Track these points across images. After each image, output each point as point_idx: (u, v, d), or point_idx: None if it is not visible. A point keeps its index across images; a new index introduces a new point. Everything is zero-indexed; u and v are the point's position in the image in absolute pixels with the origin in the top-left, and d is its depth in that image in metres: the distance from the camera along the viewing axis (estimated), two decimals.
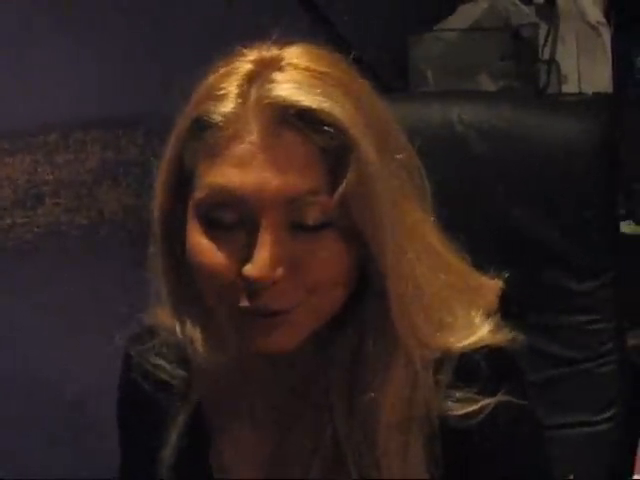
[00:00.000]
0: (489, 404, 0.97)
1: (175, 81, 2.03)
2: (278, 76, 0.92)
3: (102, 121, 1.92)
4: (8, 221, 1.81)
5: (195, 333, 1.01)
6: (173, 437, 1.04)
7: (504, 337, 1.00)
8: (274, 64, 0.93)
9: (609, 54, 2.20)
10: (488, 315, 1.01)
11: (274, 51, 0.95)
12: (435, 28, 2.22)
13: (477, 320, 1.01)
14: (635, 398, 1.44)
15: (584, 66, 2.20)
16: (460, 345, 0.98)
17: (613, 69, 2.19)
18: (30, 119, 1.83)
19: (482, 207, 1.41)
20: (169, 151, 0.96)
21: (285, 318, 0.93)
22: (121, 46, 1.93)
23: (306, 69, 0.93)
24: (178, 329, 1.01)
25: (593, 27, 2.21)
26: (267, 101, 0.90)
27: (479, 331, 1.00)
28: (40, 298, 1.88)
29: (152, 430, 1.05)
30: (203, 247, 0.93)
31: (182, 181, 0.95)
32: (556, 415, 1.44)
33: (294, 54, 0.95)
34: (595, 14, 2.22)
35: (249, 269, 0.89)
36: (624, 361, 1.47)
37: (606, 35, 2.20)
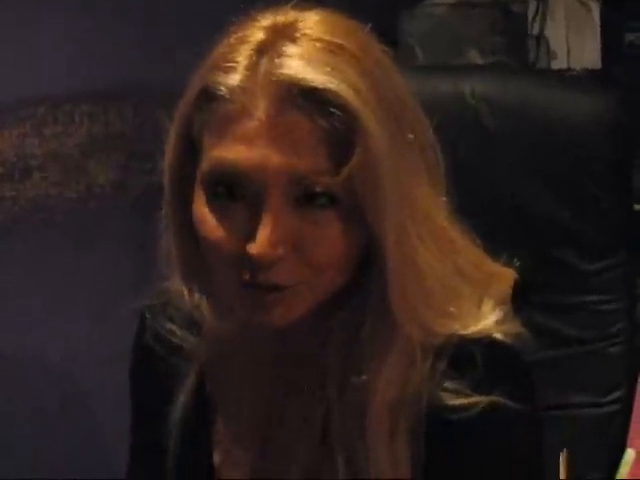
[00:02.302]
0: (481, 401, 0.92)
1: (162, 55, 1.97)
2: (289, 49, 0.88)
3: (90, 94, 1.86)
4: None
5: (202, 300, 1.01)
6: (181, 397, 1.03)
7: (511, 329, 0.96)
8: (288, 33, 0.89)
9: (598, 30, 2.18)
10: (499, 305, 0.98)
11: (289, 17, 0.91)
12: (424, 3, 2.19)
13: (485, 309, 0.97)
14: None
15: (573, 42, 2.17)
16: (465, 332, 0.95)
17: (602, 45, 2.17)
18: (18, 92, 1.77)
19: (492, 183, 1.39)
20: (178, 117, 0.94)
21: (285, 295, 0.91)
22: (109, 19, 1.88)
23: (319, 40, 0.88)
24: (186, 295, 1.01)
25: (582, 3, 2.18)
26: (274, 78, 0.86)
27: (484, 320, 0.96)
28: (27, 271, 1.83)
29: (163, 389, 1.05)
30: (207, 219, 0.91)
31: (190, 152, 0.93)
32: (564, 395, 1.39)
33: (310, 23, 0.90)
34: None
35: (252, 247, 0.87)
36: (634, 342, 1.42)
37: (595, 11, 2.18)
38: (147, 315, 1.09)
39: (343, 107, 0.86)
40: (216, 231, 0.90)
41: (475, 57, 2.10)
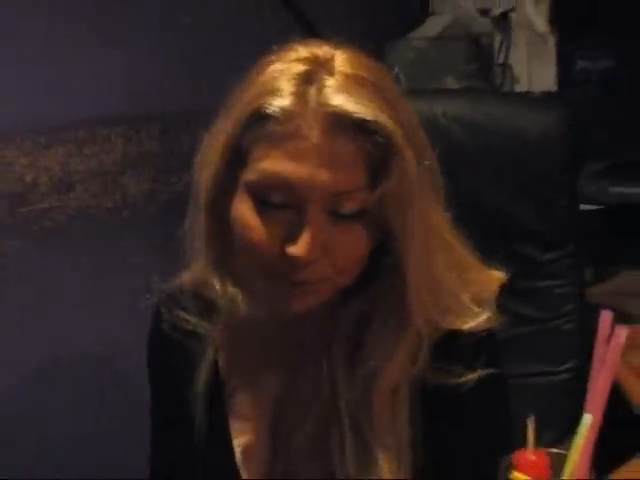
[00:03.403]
0: (471, 379, 0.96)
1: (185, 84, 2.01)
2: (329, 81, 0.90)
3: (124, 118, 1.90)
4: (46, 205, 1.79)
5: (234, 292, 1.01)
6: (202, 374, 1.04)
7: (496, 323, 1.00)
8: (326, 67, 0.91)
9: (554, 58, 2.22)
10: (489, 303, 1.01)
11: (326, 53, 0.93)
12: (407, 37, 2.23)
13: (478, 308, 1.00)
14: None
15: (533, 68, 2.21)
16: (464, 327, 0.98)
17: (557, 71, 2.22)
18: (62, 117, 1.80)
19: (463, 191, 1.36)
20: (224, 133, 0.94)
21: (311, 288, 0.93)
22: (139, 54, 1.90)
23: (354, 77, 0.90)
24: (217, 286, 1.00)
25: (540, 35, 2.22)
26: (327, 109, 0.88)
27: (478, 317, 0.99)
28: (73, 270, 1.86)
29: (181, 371, 1.06)
30: (250, 221, 0.92)
31: (235, 162, 0.93)
32: (526, 366, 1.46)
33: (342, 60, 0.92)
34: (542, 25, 2.22)
35: (294, 249, 0.89)
36: (583, 320, 1.47)
37: (551, 42, 2.22)
38: (161, 306, 1.08)
39: (384, 135, 0.88)
40: (259, 232, 0.91)
41: (451, 82, 2.12)
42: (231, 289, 1.00)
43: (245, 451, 1.05)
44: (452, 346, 0.97)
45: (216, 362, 1.06)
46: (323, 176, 0.88)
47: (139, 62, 1.90)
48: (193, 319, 1.06)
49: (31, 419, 1.81)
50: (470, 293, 1.00)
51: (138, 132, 1.91)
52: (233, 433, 1.05)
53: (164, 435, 1.12)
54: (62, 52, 1.79)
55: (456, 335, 0.97)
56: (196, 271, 1.03)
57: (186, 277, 1.06)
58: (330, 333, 0.98)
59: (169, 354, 1.09)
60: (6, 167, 1.72)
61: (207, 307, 1.05)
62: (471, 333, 0.98)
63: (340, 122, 0.88)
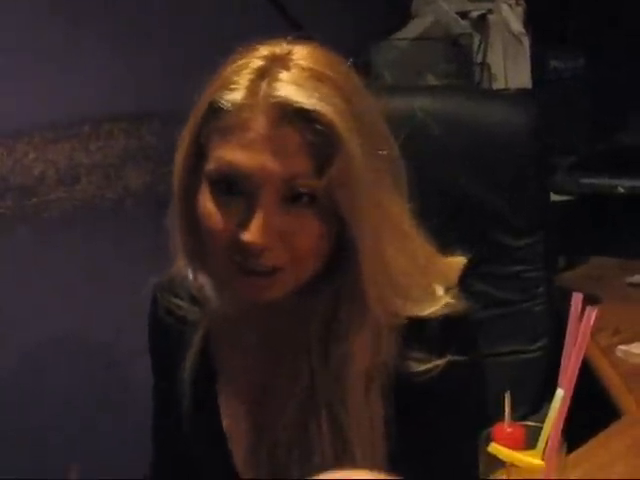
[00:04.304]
0: (439, 364, 0.95)
1: (183, 82, 2.01)
2: (284, 75, 0.89)
3: (126, 115, 1.90)
4: (53, 196, 1.80)
5: (205, 280, 1.00)
6: (189, 359, 1.04)
7: (459, 308, 0.98)
8: (282, 62, 0.90)
9: (528, 58, 2.21)
10: (448, 289, 0.99)
11: (284, 49, 0.92)
12: (391, 38, 2.23)
13: (438, 293, 0.98)
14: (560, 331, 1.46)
15: (509, 67, 2.20)
16: (422, 314, 0.97)
17: (532, 70, 2.21)
18: (68, 114, 1.81)
19: (438, 179, 1.41)
20: (187, 129, 0.94)
21: (272, 278, 0.91)
22: (139, 54, 1.91)
23: (308, 69, 0.90)
24: (191, 277, 1.01)
25: (515, 36, 2.21)
26: (272, 99, 0.88)
27: (437, 303, 0.97)
28: (78, 256, 1.87)
29: (174, 353, 1.05)
30: (209, 210, 0.91)
31: (198, 155, 0.93)
32: (500, 345, 1.47)
33: (300, 54, 0.92)
34: (517, 27, 2.22)
35: (245, 235, 0.88)
36: (552, 302, 1.49)
37: (526, 43, 2.21)
38: (158, 292, 1.08)
39: (327, 125, 0.87)
40: (217, 220, 0.90)
41: (431, 80, 2.12)
42: (201, 279, 1.00)
43: (233, 430, 1.05)
44: (420, 334, 0.96)
45: (205, 344, 1.05)
46: (271, 164, 0.88)
47: (140, 63, 1.90)
48: (185, 305, 1.06)
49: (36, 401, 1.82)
50: (428, 281, 0.99)
51: (139, 128, 1.92)
52: (222, 411, 1.05)
53: (160, 414, 1.13)
54: (68, 54, 1.80)
55: (424, 323, 0.96)
56: (180, 262, 1.03)
57: (178, 265, 1.05)
58: (304, 323, 0.97)
59: (164, 338, 1.09)
60: (16, 161, 1.73)
61: (195, 295, 1.05)
62: (439, 320, 0.96)
63: (285, 112, 0.88)
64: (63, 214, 1.82)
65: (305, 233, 0.90)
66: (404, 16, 2.28)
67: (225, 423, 1.05)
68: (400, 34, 2.23)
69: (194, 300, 1.05)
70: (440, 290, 0.98)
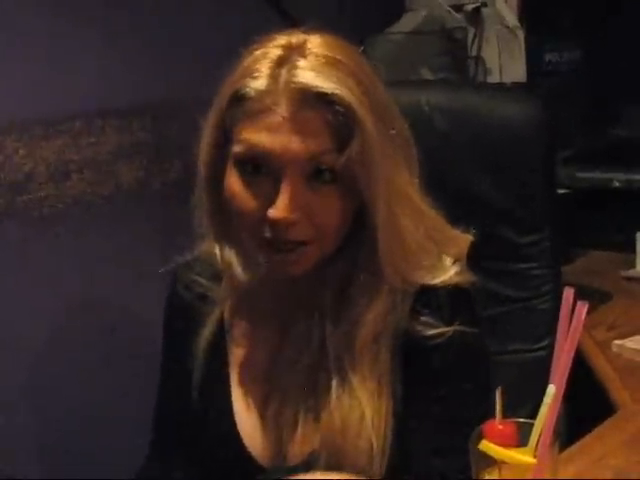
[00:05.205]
0: (448, 330, 1.00)
1: (175, 78, 2.00)
2: (302, 62, 0.95)
3: (117, 110, 1.89)
4: (43, 193, 1.79)
5: (231, 257, 1.06)
6: (205, 331, 1.10)
7: (467, 279, 1.03)
8: (299, 51, 0.96)
9: (523, 51, 2.21)
10: (457, 261, 1.04)
11: (300, 38, 0.98)
12: (385, 32, 2.23)
13: (447, 263, 1.03)
14: None
15: (504, 61, 2.20)
16: (433, 282, 1.01)
17: (527, 63, 2.21)
18: (59, 110, 1.80)
19: (444, 174, 1.41)
20: (212, 116, 1.00)
21: (298, 255, 0.97)
22: (132, 49, 1.90)
23: (324, 57, 0.95)
24: (218, 253, 1.07)
25: (510, 30, 2.21)
26: (293, 85, 0.93)
27: (448, 272, 1.02)
28: (70, 254, 1.86)
29: (190, 327, 1.11)
30: (237, 191, 0.97)
31: (223, 140, 0.99)
32: (506, 343, 1.45)
33: (316, 43, 0.97)
34: (512, 20, 2.22)
35: (272, 212, 0.94)
36: (558, 299, 1.40)
37: (521, 36, 2.21)
38: (178, 270, 1.15)
39: (345, 107, 0.93)
40: (245, 199, 0.96)
41: (426, 74, 2.12)
42: (228, 254, 1.06)
43: (242, 395, 1.09)
44: (430, 301, 1.01)
45: (221, 319, 1.11)
46: (294, 144, 0.93)
47: (131, 59, 1.90)
48: (205, 282, 1.12)
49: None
50: (439, 250, 1.03)
51: (130, 124, 1.91)
52: (232, 382, 1.09)
53: (167, 389, 1.17)
54: (59, 49, 1.79)
55: (434, 291, 1.01)
56: (206, 242, 1.09)
57: (201, 247, 1.12)
58: (319, 290, 1.02)
59: (180, 313, 1.14)
60: (6, 158, 1.72)
61: (217, 274, 1.10)
62: (448, 290, 1.01)
63: (305, 96, 0.93)
64: (54, 211, 1.80)
65: (328, 208, 0.96)
66: (398, 10, 2.28)
67: (237, 387, 1.09)
68: (394, 28, 2.23)
69: (215, 278, 1.11)
70: (449, 261, 1.03)
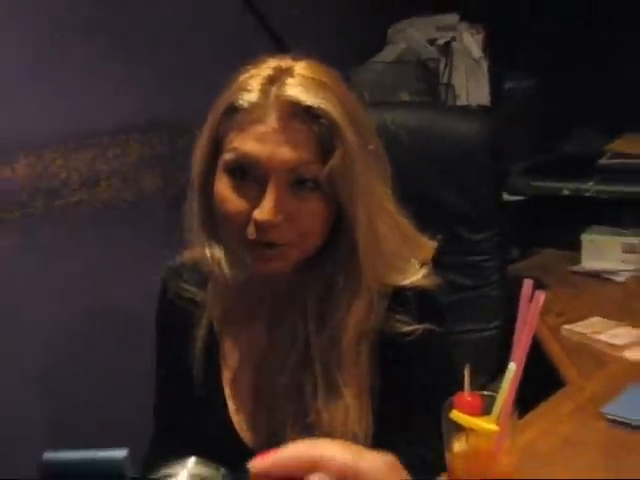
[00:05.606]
0: (420, 328, 0.97)
1: (191, 98, 1.99)
2: (290, 80, 0.92)
3: (139, 127, 1.88)
4: (77, 198, 1.78)
5: (220, 257, 1.00)
6: (200, 333, 1.05)
7: (433, 281, 1.01)
8: (288, 71, 0.93)
9: (487, 79, 2.21)
10: (424, 264, 1.02)
11: (288, 62, 0.96)
12: (369, 61, 2.22)
13: (417, 266, 1.00)
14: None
15: (470, 87, 2.19)
16: (405, 282, 0.98)
17: (490, 89, 2.21)
18: (89, 127, 1.78)
19: (408, 183, 1.36)
20: (206, 127, 0.96)
21: (280, 251, 0.93)
22: (153, 75, 1.89)
23: (311, 78, 0.93)
24: (208, 254, 1.00)
25: (476, 61, 2.21)
26: (282, 99, 0.90)
27: (417, 274, 0.99)
28: (101, 251, 1.84)
29: (182, 332, 1.06)
30: (226, 195, 0.93)
31: (215, 149, 0.95)
32: (463, 324, 1.49)
33: (302, 66, 0.94)
34: (477, 53, 2.21)
35: (257, 213, 0.90)
36: (506, 287, 1.51)
37: (484, 66, 2.21)
38: (167, 278, 1.09)
39: (329, 120, 0.90)
40: (233, 202, 0.92)
41: (405, 97, 2.11)
42: (217, 254, 1.00)
43: (234, 396, 1.05)
44: (402, 301, 0.98)
45: (212, 323, 1.06)
46: (281, 153, 0.90)
47: (150, 84, 1.89)
48: (192, 289, 1.07)
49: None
50: (410, 254, 1.01)
51: (151, 138, 1.91)
52: (224, 382, 1.05)
53: (166, 388, 1.12)
54: (90, 77, 1.78)
55: (405, 293, 0.98)
56: (194, 247, 1.03)
57: (187, 254, 1.07)
58: (303, 293, 0.98)
59: (173, 318, 1.09)
60: (44, 168, 1.71)
61: (204, 279, 1.05)
62: (417, 291, 0.98)
63: (293, 109, 0.90)
64: (86, 214, 1.80)
65: (309, 215, 0.92)
66: (380, 43, 2.27)
67: (229, 388, 1.04)
68: (377, 58, 2.23)
69: (201, 285, 1.05)
70: (417, 264, 1.00)
